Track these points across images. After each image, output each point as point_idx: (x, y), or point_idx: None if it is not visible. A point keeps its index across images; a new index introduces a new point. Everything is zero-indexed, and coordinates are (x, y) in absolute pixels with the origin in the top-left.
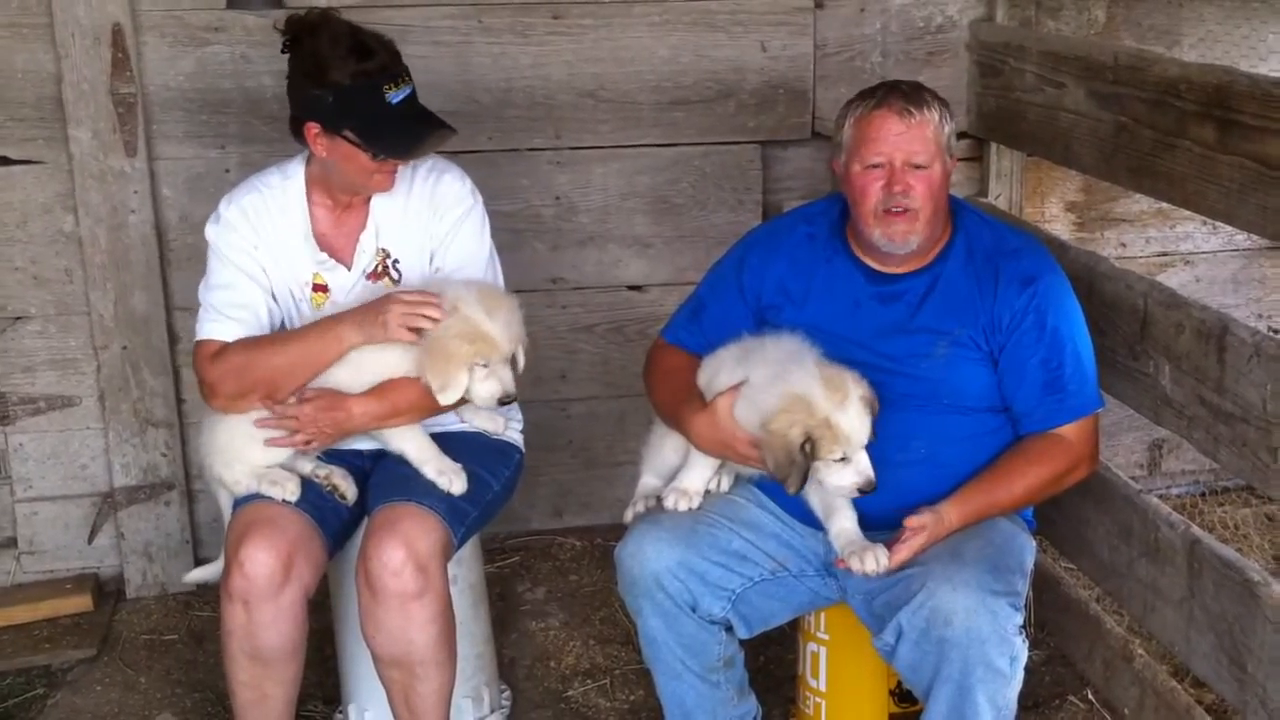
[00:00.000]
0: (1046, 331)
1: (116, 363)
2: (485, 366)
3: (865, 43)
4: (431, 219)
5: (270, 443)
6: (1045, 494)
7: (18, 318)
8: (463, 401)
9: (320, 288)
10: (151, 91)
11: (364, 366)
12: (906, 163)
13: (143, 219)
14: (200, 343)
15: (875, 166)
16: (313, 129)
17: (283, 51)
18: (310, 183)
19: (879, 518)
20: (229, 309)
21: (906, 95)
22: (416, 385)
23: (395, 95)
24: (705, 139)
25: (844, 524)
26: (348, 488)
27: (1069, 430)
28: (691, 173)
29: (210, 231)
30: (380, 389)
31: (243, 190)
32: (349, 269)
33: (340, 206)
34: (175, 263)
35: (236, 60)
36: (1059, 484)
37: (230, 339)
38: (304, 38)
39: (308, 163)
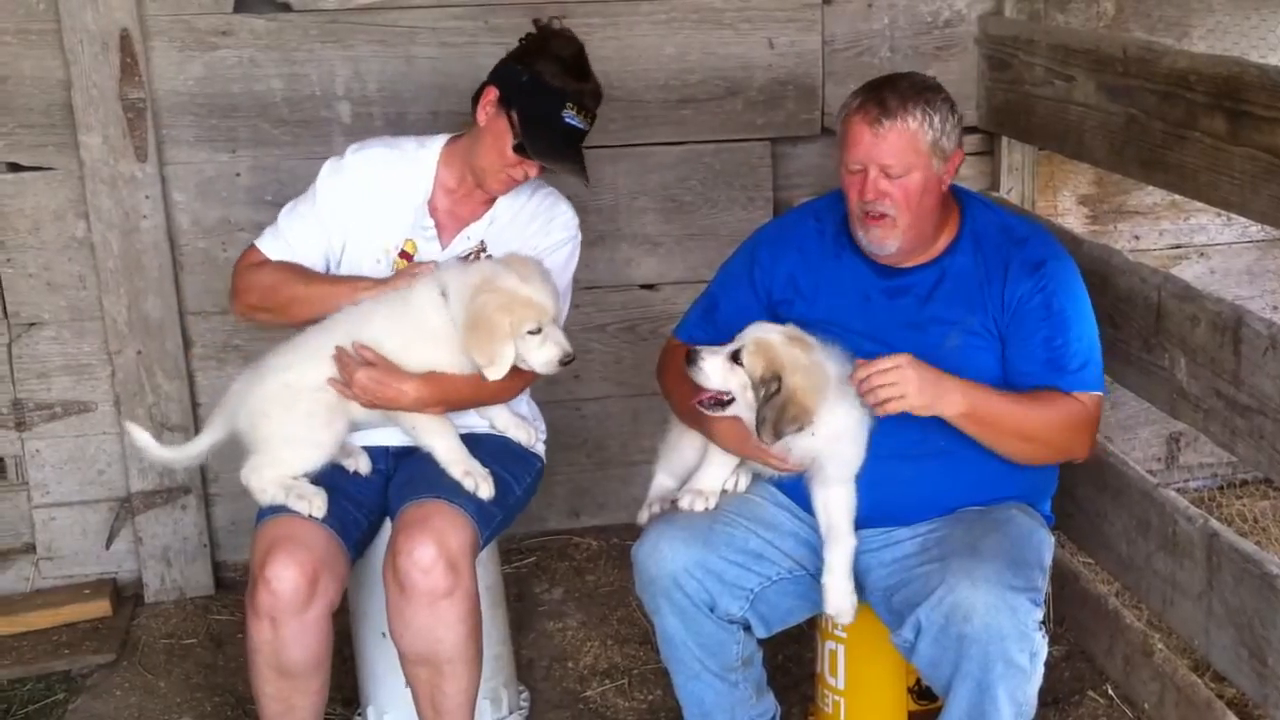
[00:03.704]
0: (1053, 312)
1: (131, 367)
2: (537, 333)
3: (874, 38)
4: (538, 233)
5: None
6: (1045, 439)
7: (32, 324)
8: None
9: (407, 255)
10: (161, 96)
11: (412, 362)
12: (881, 171)
13: (154, 224)
14: (251, 248)
15: (855, 171)
16: (491, 93)
17: (520, 41)
18: (443, 160)
19: (900, 512)
20: (294, 239)
21: (882, 102)
22: (466, 380)
23: (571, 117)
24: (714, 137)
25: (837, 563)
26: (364, 464)
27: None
28: (701, 171)
29: (325, 169)
30: (435, 376)
31: (378, 142)
32: (443, 247)
33: (461, 193)
34: (188, 267)
35: (245, 64)
36: (1060, 435)
37: (275, 259)
38: (549, 36)
39: (448, 143)
